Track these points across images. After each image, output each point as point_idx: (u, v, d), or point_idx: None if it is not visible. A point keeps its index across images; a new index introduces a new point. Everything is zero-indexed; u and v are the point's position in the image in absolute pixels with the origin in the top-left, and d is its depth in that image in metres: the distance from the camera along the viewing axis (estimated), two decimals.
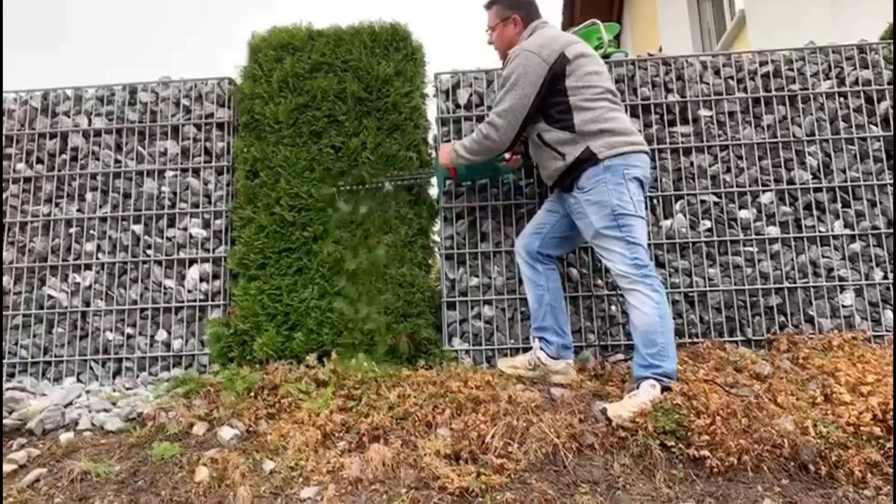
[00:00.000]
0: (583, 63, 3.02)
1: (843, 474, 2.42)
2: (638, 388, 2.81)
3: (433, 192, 3.77)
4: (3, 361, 3.67)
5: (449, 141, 3.74)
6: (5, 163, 3.91)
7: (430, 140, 3.83)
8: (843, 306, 3.49)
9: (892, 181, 3.58)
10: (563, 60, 2.98)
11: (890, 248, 3.53)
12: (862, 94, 3.70)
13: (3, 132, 3.95)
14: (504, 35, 3.29)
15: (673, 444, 2.55)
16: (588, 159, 2.95)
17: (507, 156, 3.43)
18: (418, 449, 2.62)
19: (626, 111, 3.53)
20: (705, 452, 2.48)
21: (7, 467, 2.70)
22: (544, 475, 2.48)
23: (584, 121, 2.97)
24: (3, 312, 3.75)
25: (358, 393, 3.03)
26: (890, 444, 2.50)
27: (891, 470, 2.42)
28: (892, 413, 2.58)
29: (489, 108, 3.73)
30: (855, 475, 2.40)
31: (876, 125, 3.67)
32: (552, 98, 3.01)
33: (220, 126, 3.92)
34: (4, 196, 3.88)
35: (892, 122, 3.64)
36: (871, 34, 4.00)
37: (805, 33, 4.14)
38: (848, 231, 3.57)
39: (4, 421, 3.02)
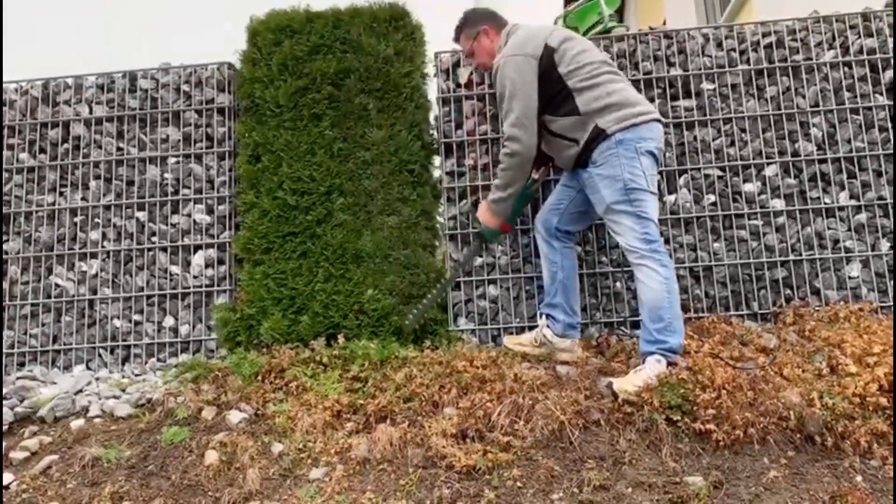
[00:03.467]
0: (569, 47, 3.02)
1: (850, 445, 2.43)
2: (643, 363, 2.82)
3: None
4: (5, 353, 3.71)
5: (450, 120, 3.74)
6: (8, 153, 3.92)
7: (432, 120, 3.82)
8: (850, 278, 3.47)
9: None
10: (548, 51, 2.99)
11: None
12: (867, 63, 3.65)
13: (6, 123, 3.95)
14: (483, 49, 3.28)
15: (679, 418, 2.55)
16: (598, 136, 2.95)
17: (535, 175, 3.38)
18: (425, 428, 2.63)
19: None
20: (711, 426, 2.49)
21: (20, 455, 2.74)
22: (551, 452, 2.49)
23: (586, 101, 2.97)
24: (12, 302, 3.78)
25: (364, 374, 3.04)
26: None
27: None
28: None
29: (490, 86, 3.72)
30: (861, 446, 2.41)
31: (881, 94, 3.62)
32: (551, 88, 3.00)
33: (220, 111, 3.91)
34: (9, 187, 3.89)
35: (892, 93, 3.60)
36: (876, 1, 3.94)
37: (810, 2, 4.06)
38: (854, 202, 3.54)
39: (16, 409, 3.05)
